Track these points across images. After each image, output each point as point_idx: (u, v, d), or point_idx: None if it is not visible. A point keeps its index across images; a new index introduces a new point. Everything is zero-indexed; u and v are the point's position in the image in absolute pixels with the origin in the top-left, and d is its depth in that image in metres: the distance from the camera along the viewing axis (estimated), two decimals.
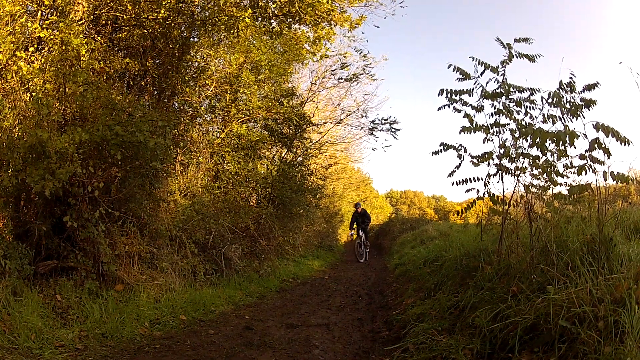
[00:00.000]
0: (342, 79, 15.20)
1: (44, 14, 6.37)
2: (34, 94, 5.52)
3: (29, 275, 4.83)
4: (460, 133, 4.89)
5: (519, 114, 4.67)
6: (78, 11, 6.52)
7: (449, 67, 4.92)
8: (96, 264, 5.54)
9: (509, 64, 4.75)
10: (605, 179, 3.63)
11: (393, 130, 14.45)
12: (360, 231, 16.11)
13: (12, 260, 4.66)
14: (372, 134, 14.99)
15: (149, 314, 5.39)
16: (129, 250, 6.06)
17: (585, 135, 3.76)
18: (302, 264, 12.85)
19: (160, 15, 7.48)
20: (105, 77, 6.70)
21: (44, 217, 5.33)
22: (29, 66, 5.65)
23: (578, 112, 3.99)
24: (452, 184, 4.93)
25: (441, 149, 4.98)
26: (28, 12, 6.21)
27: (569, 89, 4.14)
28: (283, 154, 13.70)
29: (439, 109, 5.01)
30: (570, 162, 4.11)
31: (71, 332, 4.40)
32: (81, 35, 6.04)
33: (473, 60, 4.82)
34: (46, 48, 6.00)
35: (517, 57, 4.74)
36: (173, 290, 6.30)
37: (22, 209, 5.40)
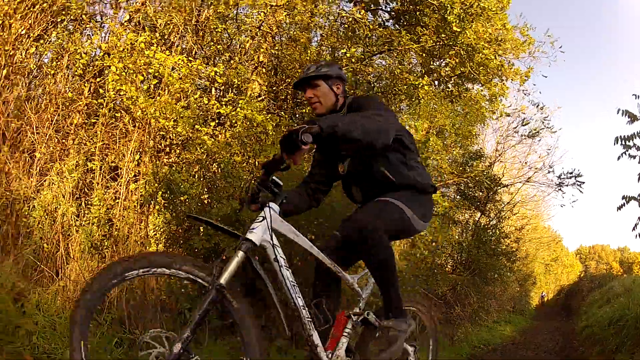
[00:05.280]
0: (524, 135, 14.82)
1: (218, 90, 6.76)
2: (222, 165, 5.78)
3: (215, 327, 4.98)
4: (638, 181, 4.51)
5: None
6: (255, 88, 6.92)
7: (617, 112, 4.65)
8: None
9: None
10: None
11: (579, 183, 13.55)
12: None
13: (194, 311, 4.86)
14: (560, 189, 14.19)
15: None
16: None
17: None
18: (494, 330, 12.38)
19: None
20: None
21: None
22: (213, 140, 5.90)
23: None
24: (636, 237, 4.63)
25: (624, 203, 4.63)
26: (200, 88, 6.58)
27: None
28: (477, 218, 13.54)
29: (619, 158, 4.71)
30: None
31: None
32: (264, 112, 6.28)
33: (636, 98, 4.53)
34: (228, 122, 6.30)
35: None
36: None
37: None
